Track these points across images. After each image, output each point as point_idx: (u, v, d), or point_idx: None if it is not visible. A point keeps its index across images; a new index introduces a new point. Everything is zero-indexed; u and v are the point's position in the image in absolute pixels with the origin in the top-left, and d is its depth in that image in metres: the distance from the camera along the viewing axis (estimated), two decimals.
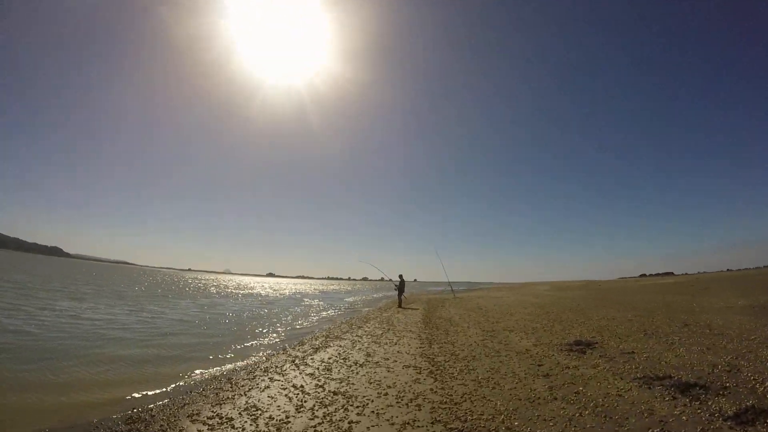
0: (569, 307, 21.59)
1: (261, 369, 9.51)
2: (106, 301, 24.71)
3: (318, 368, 9.12)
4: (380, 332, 14.62)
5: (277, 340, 14.50)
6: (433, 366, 9.01)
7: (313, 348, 11.77)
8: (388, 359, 9.84)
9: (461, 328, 14.92)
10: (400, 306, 27.36)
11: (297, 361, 9.97)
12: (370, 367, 9.06)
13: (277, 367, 9.55)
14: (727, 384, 6.41)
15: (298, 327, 18.26)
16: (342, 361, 9.80)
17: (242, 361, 10.99)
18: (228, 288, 63.07)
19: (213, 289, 55.15)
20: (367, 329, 15.65)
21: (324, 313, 24.49)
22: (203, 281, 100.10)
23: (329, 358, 10.11)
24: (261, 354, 11.77)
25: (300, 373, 8.72)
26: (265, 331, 16.67)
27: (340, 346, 11.97)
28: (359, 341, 12.73)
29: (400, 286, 28.25)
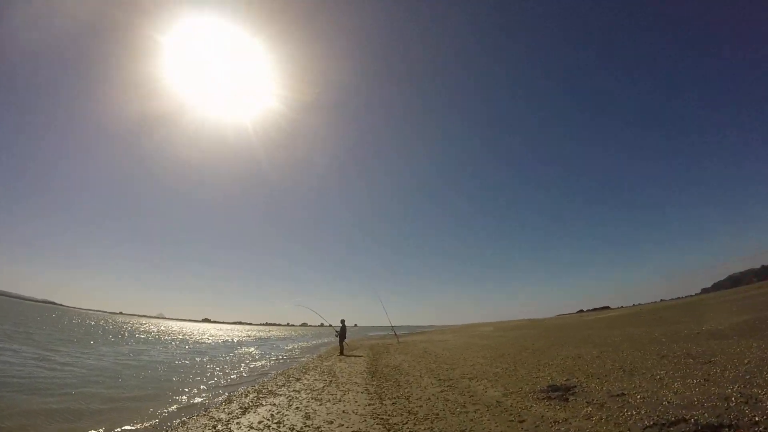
0: (523, 346, 20.53)
1: None
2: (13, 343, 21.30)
3: None
4: (321, 385, 12.79)
5: (201, 398, 12.22)
6: (391, 427, 7.46)
7: (241, 408, 9.74)
8: (332, 423, 8.04)
9: (413, 378, 13.38)
10: (342, 353, 25.71)
11: (220, 427, 8.10)
12: None
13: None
14: (757, 419, 5.35)
15: (228, 380, 15.94)
16: (275, 426, 7.96)
17: (150, 424, 8.92)
18: (157, 334, 58.32)
19: (141, 335, 50.66)
20: (305, 382, 13.75)
21: (259, 363, 22.03)
22: (133, 325, 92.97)
23: (260, 423, 8.19)
24: (176, 420, 9.60)
25: None
26: (189, 385, 14.31)
27: (274, 404, 10.05)
28: (297, 397, 10.86)
29: (341, 331, 26.75)
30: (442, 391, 10.57)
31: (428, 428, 7.22)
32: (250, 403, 10.23)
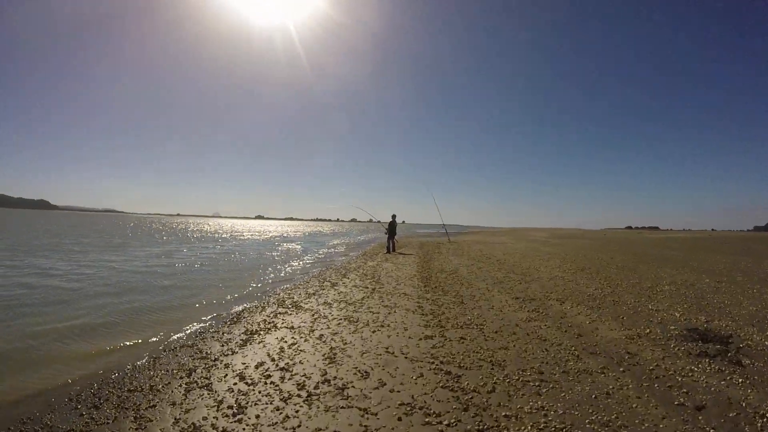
0: (601, 260, 17.11)
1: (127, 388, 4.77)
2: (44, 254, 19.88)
3: (223, 399, 4.41)
4: (360, 296, 9.89)
5: (210, 314, 9.49)
6: (466, 394, 4.31)
7: (245, 335, 6.91)
8: (367, 376, 4.93)
9: (479, 291, 10.29)
10: (389, 251, 23.11)
11: (201, 372, 5.26)
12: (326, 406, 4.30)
13: (162, 384, 4.84)
14: None
15: (254, 285, 13.43)
16: (277, 379, 4.89)
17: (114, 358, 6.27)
18: (206, 233, 58.45)
19: (188, 234, 50.50)
20: (342, 290, 10.91)
21: (296, 263, 19.77)
22: (184, 226, 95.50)
23: (257, 368, 5.23)
24: (161, 346, 6.92)
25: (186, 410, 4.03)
26: (204, 292, 11.88)
27: (292, 327, 7.18)
28: (326, 316, 7.97)
29: (391, 228, 23.71)
30: (528, 320, 7.37)
31: (539, 409, 4.00)
32: (260, 326, 7.40)
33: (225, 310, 9.30)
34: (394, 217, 24.15)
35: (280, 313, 8.48)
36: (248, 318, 8.26)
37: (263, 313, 8.62)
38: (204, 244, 31.10)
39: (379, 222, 27.63)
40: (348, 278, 13.15)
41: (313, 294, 10.45)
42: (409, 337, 6.41)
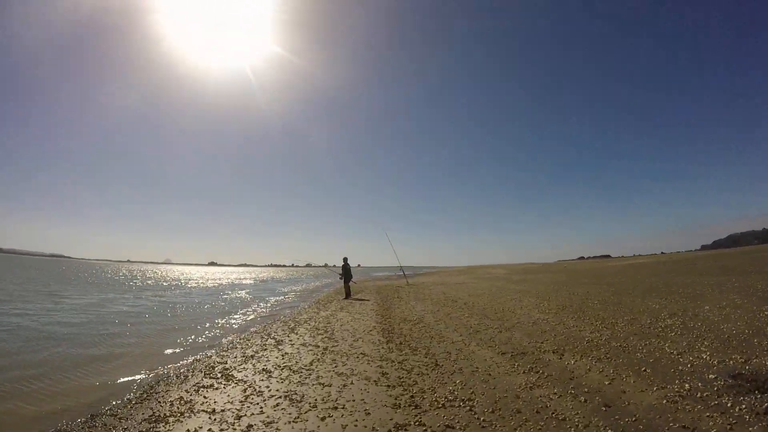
0: (580, 296, 15.77)
1: None
2: None
3: None
4: (309, 359, 7.93)
5: (113, 388, 7.47)
6: None
7: (148, 423, 5.00)
8: None
9: (454, 345, 8.56)
10: (347, 297, 21.60)
11: None
12: None
13: None
14: None
15: (185, 344, 11.27)
16: None
17: None
18: (150, 280, 54.53)
19: (131, 282, 46.79)
20: (287, 349, 8.90)
21: (240, 315, 17.46)
22: (130, 272, 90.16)
23: None
24: None
25: None
26: (121, 354, 9.68)
27: (213, 411, 5.22)
28: (260, 393, 5.97)
29: (345, 272, 22.46)
30: (530, 387, 5.67)
31: None
32: (172, 409, 5.41)
33: (137, 379, 7.22)
34: (345, 260, 23.02)
35: (204, 386, 6.49)
36: (162, 394, 6.26)
37: (183, 385, 6.62)
38: (143, 293, 28.11)
39: (334, 267, 26.83)
40: (296, 333, 11.17)
41: (251, 357, 8.46)
42: (374, 428, 4.60)
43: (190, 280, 56.36)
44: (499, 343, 8.66)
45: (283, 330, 11.92)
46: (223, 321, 15.16)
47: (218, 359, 8.50)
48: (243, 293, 31.08)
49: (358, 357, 8.01)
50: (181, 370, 7.84)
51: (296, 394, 5.93)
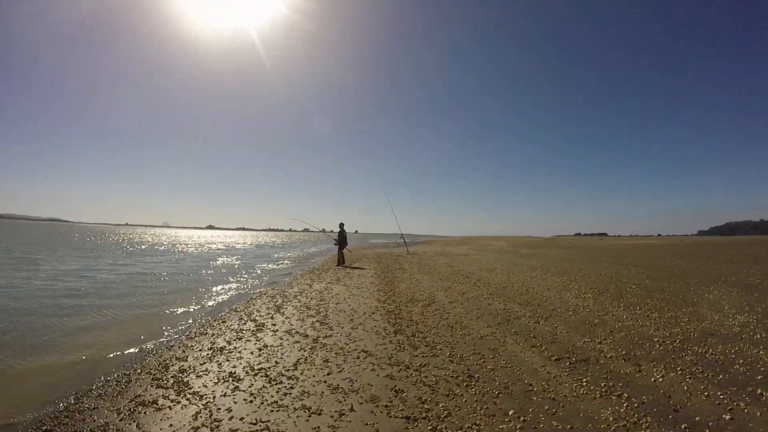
0: (609, 277, 13.93)
1: None
2: None
3: None
4: (293, 358, 5.89)
5: (49, 389, 5.64)
6: None
7: None
8: None
9: (483, 341, 6.57)
10: (340, 264, 21.01)
11: None
12: None
13: None
14: None
15: (148, 326, 9.38)
16: None
17: None
18: (144, 244, 52.66)
19: (123, 246, 44.97)
20: (268, 339, 6.89)
21: (225, 286, 15.46)
22: (126, 236, 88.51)
23: None
24: None
25: None
26: (72, 336, 7.83)
27: None
28: (218, 421, 4.14)
29: (341, 238, 21.80)
30: (623, 424, 3.77)
31: None
32: None
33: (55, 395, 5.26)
34: (341, 226, 21.98)
35: (144, 403, 4.55)
36: (87, 416, 4.32)
37: (118, 401, 4.69)
38: (132, 258, 26.16)
39: (331, 232, 25.11)
40: (282, 314, 9.20)
41: (220, 351, 6.49)
42: None
43: (181, 244, 54.47)
44: (542, 339, 6.72)
45: (267, 309, 9.95)
46: (202, 295, 13.17)
47: (178, 353, 6.55)
48: (234, 260, 29.14)
49: (358, 357, 6.02)
50: (126, 372, 5.88)
51: (269, 424, 3.98)
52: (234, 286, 15.31)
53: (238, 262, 27.24)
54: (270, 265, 24.85)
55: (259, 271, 20.88)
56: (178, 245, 49.56)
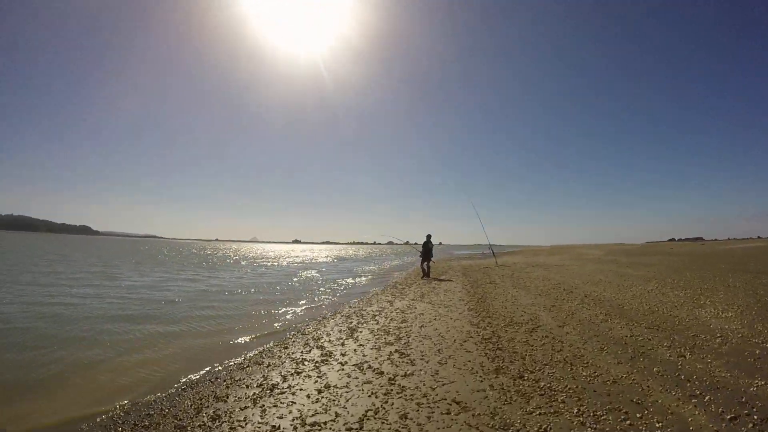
0: (744, 288, 11.21)
1: None
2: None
3: None
4: (359, 409, 4.35)
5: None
6: None
7: None
8: None
9: (620, 383, 4.66)
10: (424, 277, 19.84)
11: None
12: None
13: None
14: None
15: (201, 350, 8.31)
16: None
17: None
18: (228, 258, 54.27)
19: (206, 259, 46.40)
20: (331, 378, 5.41)
21: (294, 307, 14.33)
22: (211, 251, 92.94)
23: None
24: None
25: None
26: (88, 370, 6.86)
27: None
28: None
29: (425, 250, 20.35)
30: None
31: None
32: None
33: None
34: (429, 237, 20.59)
35: None
36: None
37: None
38: (210, 273, 26.16)
39: (415, 244, 24.00)
40: (355, 339, 7.71)
41: (270, 391, 5.10)
42: None
43: (269, 258, 55.32)
44: (699, 383, 4.78)
45: (339, 332, 8.52)
46: (271, 313, 12.02)
47: (220, 389, 5.28)
48: (315, 273, 28.34)
49: (448, 411, 4.34)
50: (150, 413, 4.62)
51: None
52: (307, 303, 14.11)
53: (317, 276, 26.32)
54: (350, 280, 23.67)
55: (337, 287, 19.64)
56: (264, 260, 50.26)
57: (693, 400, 4.34)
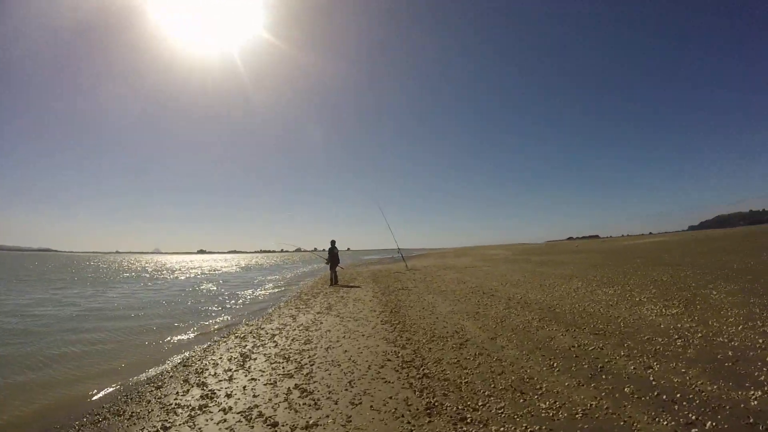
0: (684, 284, 11.06)
1: None
2: None
3: None
4: None
5: None
6: None
7: None
8: None
9: (593, 409, 3.65)
10: (333, 283, 19.66)
11: None
12: None
13: None
14: None
15: (49, 395, 6.38)
16: None
17: None
18: (124, 271, 49.24)
19: (97, 274, 41.51)
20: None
21: (184, 330, 12.38)
22: (107, 264, 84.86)
23: None
24: None
25: None
26: None
27: None
28: None
29: (332, 256, 20.04)
30: None
31: None
32: None
33: None
34: (333, 243, 20.34)
35: None
36: None
37: None
38: (97, 289, 22.70)
39: (322, 251, 23.52)
40: (247, 371, 6.20)
41: None
42: None
43: (168, 270, 50.95)
44: (693, 407, 3.90)
45: (229, 360, 6.95)
46: (154, 340, 10.04)
47: None
48: (214, 287, 25.80)
49: None
50: None
51: None
52: (200, 322, 12.16)
53: (219, 288, 23.93)
54: (254, 291, 21.67)
55: (236, 301, 17.58)
56: (161, 272, 46.08)
57: (694, 430, 3.44)
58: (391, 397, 4.73)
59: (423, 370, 5.60)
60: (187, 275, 39.56)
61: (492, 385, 4.87)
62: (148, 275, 39.88)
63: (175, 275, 39.43)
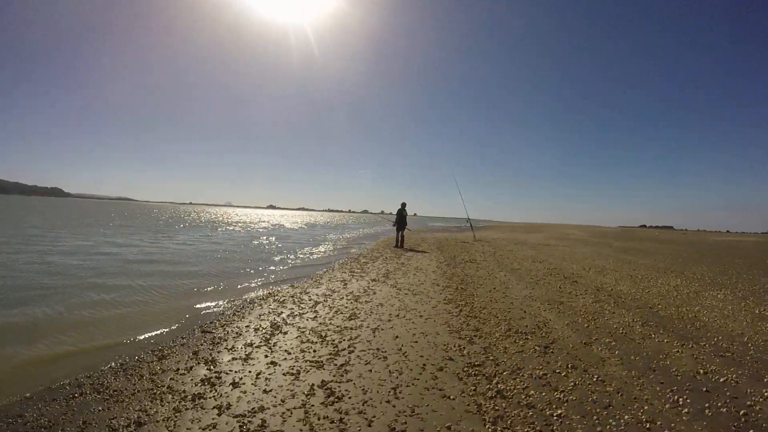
0: None
1: None
2: None
3: None
4: None
5: None
6: None
7: None
8: None
9: None
10: (398, 245, 19.55)
11: None
12: None
13: None
14: None
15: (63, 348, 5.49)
16: None
17: None
18: (193, 221, 50.88)
19: (170, 222, 43.09)
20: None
21: (228, 282, 11.59)
22: (181, 214, 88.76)
23: None
24: None
25: None
26: None
27: None
28: None
29: (400, 219, 19.71)
30: None
31: None
32: None
33: None
34: (403, 205, 19.98)
35: None
36: None
37: None
38: (156, 237, 22.90)
39: (390, 214, 23.51)
40: (270, 350, 4.93)
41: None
42: None
43: (237, 222, 51.95)
44: None
45: (255, 330, 5.76)
46: (187, 295, 9.08)
47: None
48: (273, 241, 25.22)
49: None
50: None
51: None
52: (246, 279, 11.13)
53: (279, 244, 23.23)
54: (313, 249, 20.73)
55: (296, 258, 16.53)
56: (230, 224, 46.88)
57: None
58: (449, 428, 3.20)
59: (497, 383, 4.00)
60: (254, 228, 39.79)
61: (598, 429, 3.21)
62: (216, 226, 40.52)
63: (238, 228, 39.76)
